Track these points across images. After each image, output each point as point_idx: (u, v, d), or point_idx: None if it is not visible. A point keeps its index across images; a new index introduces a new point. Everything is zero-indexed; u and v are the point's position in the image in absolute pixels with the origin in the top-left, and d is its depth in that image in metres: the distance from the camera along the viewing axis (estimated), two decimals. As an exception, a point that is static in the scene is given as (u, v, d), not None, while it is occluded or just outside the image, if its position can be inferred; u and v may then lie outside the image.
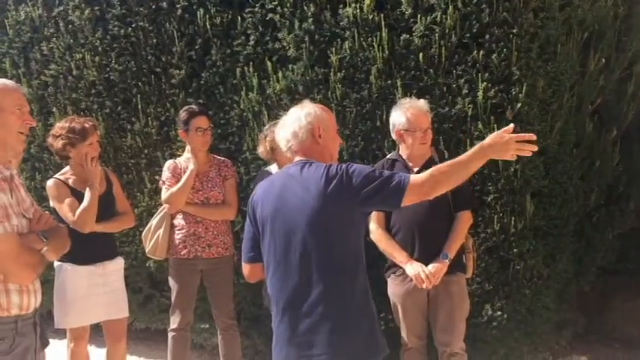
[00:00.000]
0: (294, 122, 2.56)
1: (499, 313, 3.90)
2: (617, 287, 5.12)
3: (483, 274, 3.90)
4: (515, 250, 3.87)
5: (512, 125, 2.46)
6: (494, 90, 3.81)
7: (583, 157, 4.28)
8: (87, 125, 3.69)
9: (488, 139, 2.42)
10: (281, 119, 2.66)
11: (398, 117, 3.45)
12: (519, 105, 3.79)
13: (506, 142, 2.41)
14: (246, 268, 2.71)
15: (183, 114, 4.02)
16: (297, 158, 2.58)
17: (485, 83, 3.80)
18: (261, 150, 3.91)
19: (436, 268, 3.32)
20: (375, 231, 3.48)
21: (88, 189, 3.60)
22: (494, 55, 3.79)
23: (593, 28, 4.25)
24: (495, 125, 3.81)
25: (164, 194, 3.99)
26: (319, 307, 2.40)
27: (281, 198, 2.51)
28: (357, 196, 2.37)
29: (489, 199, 3.88)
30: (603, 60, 4.30)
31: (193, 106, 4.12)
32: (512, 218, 3.84)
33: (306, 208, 2.41)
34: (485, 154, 2.42)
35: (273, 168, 3.93)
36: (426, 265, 3.34)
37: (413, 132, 3.41)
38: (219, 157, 4.20)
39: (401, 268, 3.43)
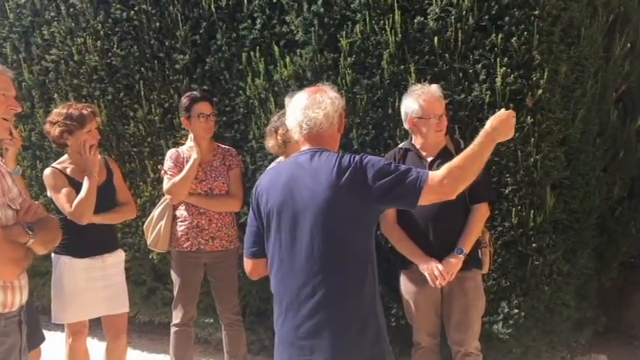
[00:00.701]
0: (330, 104, 2.39)
1: (516, 310, 3.71)
2: (636, 282, 4.92)
3: (500, 270, 3.72)
4: (534, 244, 3.68)
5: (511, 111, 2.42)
6: (514, 76, 3.60)
7: (606, 147, 4.06)
8: (85, 112, 3.52)
9: (490, 123, 2.35)
10: (298, 100, 2.46)
11: (410, 104, 3.25)
12: (540, 91, 3.58)
13: (506, 120, 2.36)
14: (248, 263, 2.55)
15: (184, 100, 3.85)
16: (306, 146, 2.40)
17: (504, 68, 3.60)
18: (271, 144, 3.70)
19: (450, 264, 3.14)
20: (387, 224, 3.30)
21: (86, 178, 3.44)
22: (514, 38, 3.58)
23: (619, 10, 4.02)
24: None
25: (166, 184, 3.83)
26: (323, 310, 2.24)
27: (288, 189, 2.34)
28: (370, 192, 2.21)
29: (507, 191, 3.68)
30: (629, 45, 4.07)
31: (195, 92, 3.95)
32: (532, 211, 3.65)
33: (315, 201, 2.24)
34: (493, 139, 2.33)
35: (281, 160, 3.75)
36: (441, 260, 3.16)
37: (427, 119, 3.21)
38: (223, 146, 4.03)
39: (413, 263, 3.25)
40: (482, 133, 2.33)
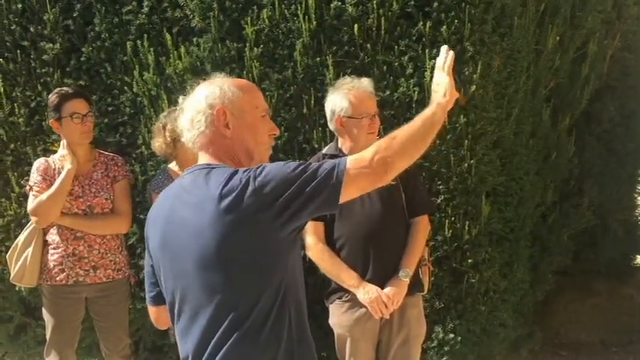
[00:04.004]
0: (193, 104, 1.78)
1: (452, 335, 3.32)
2: (560, 288, 4.71)
3: (433, 290, 3.29)
4: (469, 260, 3.30)
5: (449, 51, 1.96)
6: (445, 70, 3.18)
7: (539, 148, 3.74)
8: None
9: (441, 92, 1.87)
10: (181, 99, 1.89)
11: (338, 101, 2.73)
12: (473, 88, 3.20)
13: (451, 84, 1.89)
14: (151, 311, 1.98)
15: (52, 98, 3.12)
16: (201, 157, 1.79)
17: (433, 61, 3.16)
18: (158, 143, 3.09)
19: (395, 292, 2.68)
20: (314, 246, 2.76)
21: None
22: (444, 27, 3.19)
23: (549, 0, 3.70)
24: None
25: (31, 203, 3.08)
26: None
27: (168, 223, 1.73)
28: (269, 213, 1.58)
29: (439, 201, 3.27)
30: (558, 38, 3.77)
31: (66, 88, 3.23)
32: (466, 222, 3.26)
33: (196, 240, 1.63)
34: (444, 107, 1.84)
35: (173, 167, 3.13)
36: (382, 287, 2.68)
37: (358, 119, 2.71)
38: (106, 153, 3.32)
39: (348, 291, 2.74)
40: (434, 104, 1.84)
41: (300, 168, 1.62)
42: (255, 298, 1.64)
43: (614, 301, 4.99)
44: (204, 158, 1.77)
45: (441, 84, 1.88)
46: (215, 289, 1.64)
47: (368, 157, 1.64)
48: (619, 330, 4.95)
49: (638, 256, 5.34)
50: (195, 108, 1.76)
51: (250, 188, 1.58)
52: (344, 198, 1.61)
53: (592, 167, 4.21)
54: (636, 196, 5.00)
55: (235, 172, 1.64)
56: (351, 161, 1.63)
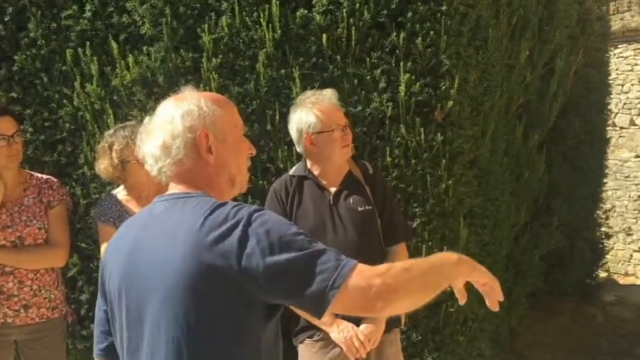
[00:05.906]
0: (165, 127, 1.48)
1: (430, 370, 3.06)
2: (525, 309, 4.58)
3: (410, 321, 3.04)
4: (447, 288, 3.05)
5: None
6: (420, 84, 2.97)
7: (512, 167, 3.57)
8: None
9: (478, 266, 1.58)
10: (147, 120, 1.57)
11: (304, 118, 2.46)
12: (451, 103, 2.98)
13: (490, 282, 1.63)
14: None
15: None
16: (173, 187, 1.51)
17: (407, 75, 2.95)
18: (104, 165, 2.70)
19: (372, 330, 2.41)
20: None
21: None
22: (419, 39, 2.95)
23: (519, 13, 3.56)
24: (422, 129, 2.98)
25: (-50, 236, 2.65)
26: None
27: (134, 258, 1.45)
28: (252, 274, 1.32)
29: (415, 225, 3.04)
30: (527, 52, 3.63)
31: None
32: (444, 248, 3.02)
33: (167, 278, 1.36)
34: (460, 272, 1.56)
35: (120, 192, 2.76)
36: (357, 324, 2.42)
37: (329, 132, 2.44)
38: (38, 175, 2.91)
39: (319, 329, 2.46)
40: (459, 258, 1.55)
41: (301, 238, 1.34)
42: (222, 354, 1.37)
43: (578, 321, 4.90)
44: (177, 187, 1.48)
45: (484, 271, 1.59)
46: (180, 334, 1.36)
47: (368, 284, 1.33)
48: (582, 350, 4.85)
49: (600, 273, 5.29)
50: (170, 132, 1.46)
51: (238, 233, 1.32)
52: (329, 312, 1.33)
53: (559, 185, 4.09)
54: (599, 213, 4.95)
55: (221, 205, 1.37)
56: (357, 273, 1.33)
